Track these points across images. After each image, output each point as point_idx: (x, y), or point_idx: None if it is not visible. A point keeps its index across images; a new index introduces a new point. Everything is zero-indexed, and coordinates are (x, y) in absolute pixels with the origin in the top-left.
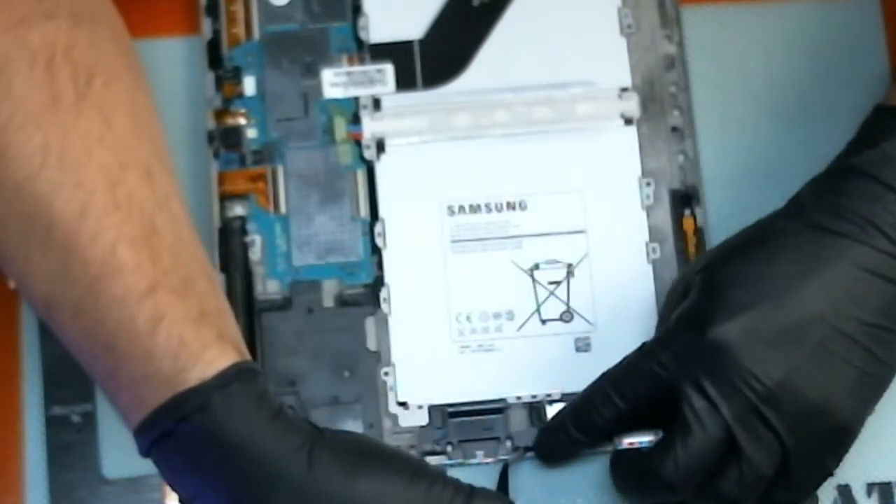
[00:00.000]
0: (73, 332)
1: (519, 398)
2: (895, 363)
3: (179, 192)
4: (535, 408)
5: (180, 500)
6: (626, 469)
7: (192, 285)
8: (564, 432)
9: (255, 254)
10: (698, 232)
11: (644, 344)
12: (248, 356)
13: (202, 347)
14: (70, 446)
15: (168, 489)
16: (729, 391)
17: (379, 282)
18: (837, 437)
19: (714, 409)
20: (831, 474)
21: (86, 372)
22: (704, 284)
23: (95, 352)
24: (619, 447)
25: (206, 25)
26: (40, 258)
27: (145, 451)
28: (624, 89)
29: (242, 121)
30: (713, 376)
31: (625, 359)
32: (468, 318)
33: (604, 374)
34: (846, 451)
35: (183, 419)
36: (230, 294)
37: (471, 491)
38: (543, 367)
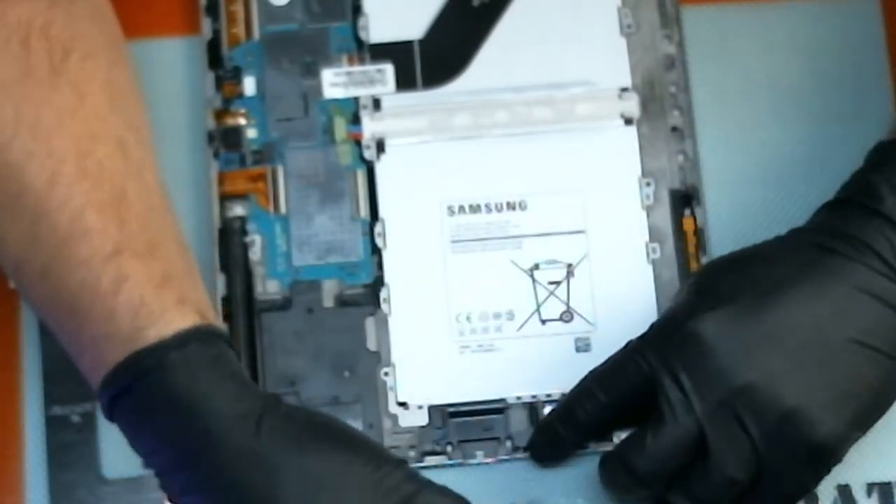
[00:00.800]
0: (39, 293)
1: (519, 398)
2: (888, 390)
3: (155, 165)
4: (535, 408)
5: (143, 460)
6: (606, 463)
7: (158, 250)
8: (553, 431)
9: (255, 254)
10: (698, 232)
11: (630, 341)
12: (213, 321)
13: (162, 309)
14: (70, 446)
15: None
16: (703, 384)
17: (379, 282)
18: (816, 453)
19: (688, 401)
20: (808, 492)
21: (53, 335)
22: (693, 286)
23: (60, 313)
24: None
25: (206, 25)
26: (10, 223)
27: (107, 411)
28: (624, 89)
29: (242, 121)
30: (690, 369)
31: (610, 357)
32: (468, 318)
33: (590, 372)
34: (827, 471)
35: (139, 377)
36: (230, 294)
37: (425, 482)
38: (543, 368)
